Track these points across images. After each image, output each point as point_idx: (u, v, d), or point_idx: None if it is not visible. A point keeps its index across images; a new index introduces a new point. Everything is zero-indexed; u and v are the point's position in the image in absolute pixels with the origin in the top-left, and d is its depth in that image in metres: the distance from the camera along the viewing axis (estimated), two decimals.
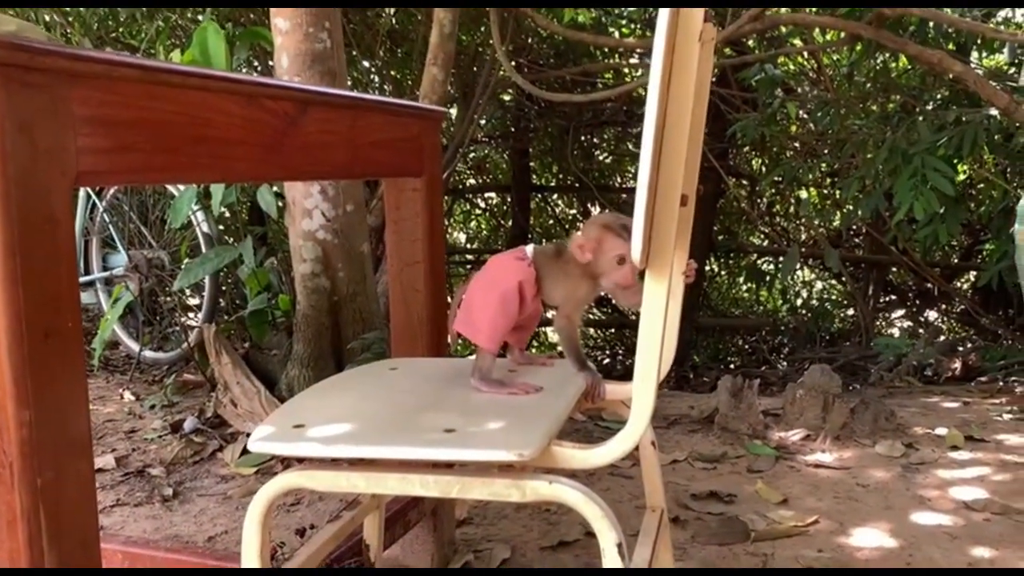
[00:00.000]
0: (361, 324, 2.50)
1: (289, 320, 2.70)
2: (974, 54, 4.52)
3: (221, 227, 3.49)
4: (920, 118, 3.74)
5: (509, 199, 7.36)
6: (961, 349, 4.48)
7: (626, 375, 5.70)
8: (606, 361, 7.06)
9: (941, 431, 2.45)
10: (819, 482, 2.11)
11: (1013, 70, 4.20)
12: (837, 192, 5.84)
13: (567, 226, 7.99)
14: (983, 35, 3.52)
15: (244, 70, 2.86)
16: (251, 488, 2.16)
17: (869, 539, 1.77)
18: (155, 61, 0.97)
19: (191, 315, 3.62)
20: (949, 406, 2.92)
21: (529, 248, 1.19)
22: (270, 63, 4.34)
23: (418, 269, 1.66)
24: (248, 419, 2.43)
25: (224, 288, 3.39)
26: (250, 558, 0.99)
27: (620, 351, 7.30)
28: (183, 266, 2.83)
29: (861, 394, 3.30)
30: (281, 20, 2.30)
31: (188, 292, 3.62)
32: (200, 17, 3.07)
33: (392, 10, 5.16)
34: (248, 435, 2.39)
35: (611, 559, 0.90)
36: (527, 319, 1.20)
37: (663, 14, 0.82)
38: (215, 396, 2.55)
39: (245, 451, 2.33)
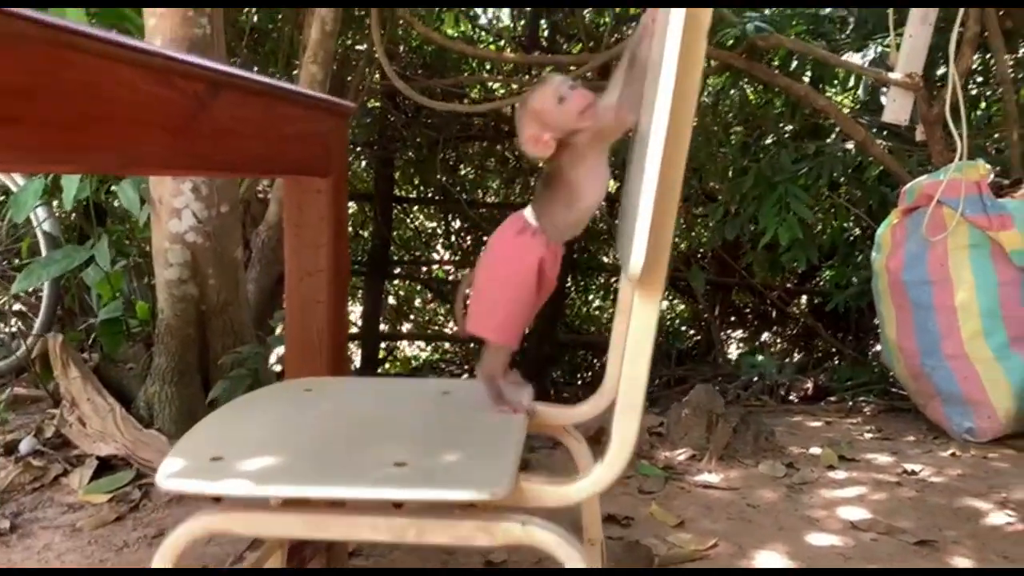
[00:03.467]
0: (232, 336, 2.29)
1: (147, 331, 2.45)
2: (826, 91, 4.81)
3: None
4: (783, 148, 3.92)
5: (368, 209, 7.17)
6: (811, 370, 4.71)
7: None
8: (464, 377, 6.98)
9: (815, 450, 2.54)
10: (711, 503, 2.11)
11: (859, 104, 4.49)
12: (692, 218, 6.06)
13: (426, 239, 7.88)
14: (849, 70, 3.72)
15: None
16: (104, 518, 1.92)
17: (769, 562, 1.77)
18: (61, 19, 0.80)
19: (16, 323, 3.23)
20: (813, 425, 3.03)
21: (526, 211, 1.02)
22: None
23: (320, 278, 1.51)
24: (99, 440, 2.16)
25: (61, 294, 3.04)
26: None
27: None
28: (26, 266, 2.50)
29: (739, 413, 3.40)
30: None
31: (18, 297, 3.24)
32: None
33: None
34: (99, 457, 2.15)
35: None
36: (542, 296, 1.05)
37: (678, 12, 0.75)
38: (59, 414, 2.27)
39: (96, 476, 2.08)
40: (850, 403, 3.61)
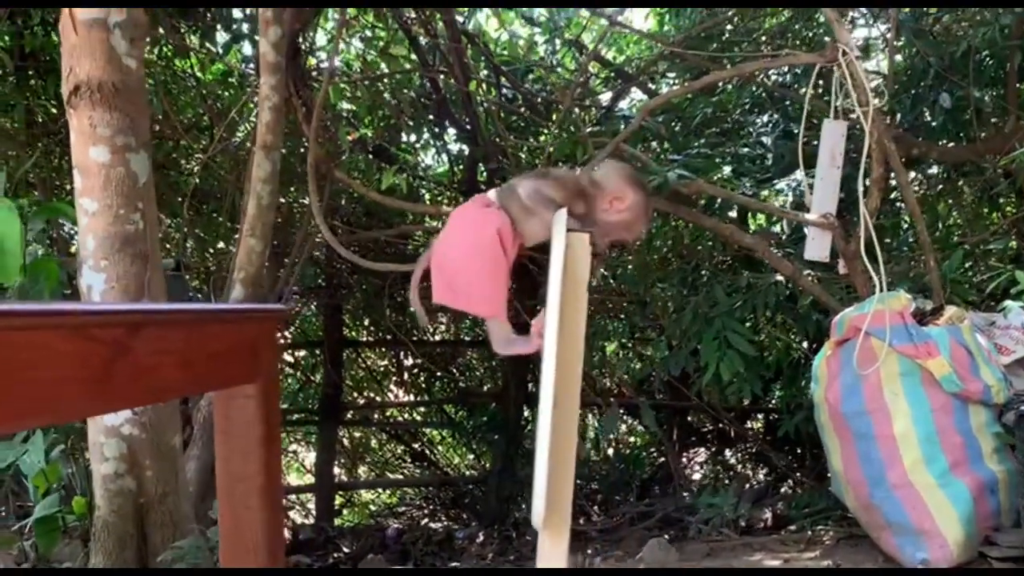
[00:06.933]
0: (172, 528, 2.24)
1: (84, 525, 2.37)
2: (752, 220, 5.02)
3: None
4: (716, 283, 4.04)
5: (319, 353, 7.16)
6: (770, 495, 4.71)
7: (447, 539, 5.50)
8: (423, 521, 6.81)
9: None
10: None
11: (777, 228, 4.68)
12: (638, 346, 6.17)
13: (379, 378, 7.84)
14: (768, 212, 3.90)
15: (40, 245, 2.62)
16: None
17: None
18: None
19: None
20: (772, 564, 3.02)
21: (491, 193, 1.08)
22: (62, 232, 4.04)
23: (251, 485, 1.50)
24: None
25: None
26: None
27: (438, 508, 7.11)
28: None
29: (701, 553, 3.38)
30: (88, 201, 2.13)
31: None
32: None
33: (196, 168, 5.04)
34: None
35: None
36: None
37: (557, 251, 0.80)
38: None
39: None
40: (809, 532, 3.60)
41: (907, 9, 4.07)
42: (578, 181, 1.12)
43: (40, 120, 4.43)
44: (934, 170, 5.01)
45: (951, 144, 4.42)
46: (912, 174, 4.71)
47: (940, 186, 4.88)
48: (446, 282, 1.04)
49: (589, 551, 2.64)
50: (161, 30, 4.33)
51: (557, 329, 0.77)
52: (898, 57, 4.46)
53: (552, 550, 0.83)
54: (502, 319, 1.02)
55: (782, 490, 5.07)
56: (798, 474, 5.36)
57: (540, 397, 0.77)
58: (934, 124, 4.33)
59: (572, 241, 0.80)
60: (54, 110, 4.43)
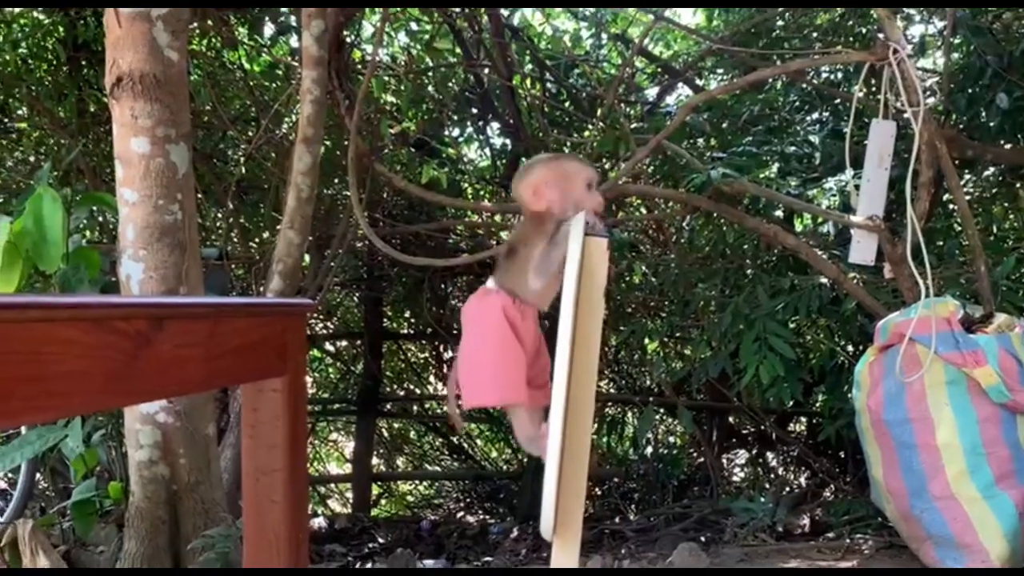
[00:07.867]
0: (203, 516, 2.27)
1: (120, 510, 2.42)
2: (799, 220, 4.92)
3: None
4: (758, 284, 3.97)
5: (359, 344, 7.21)
6: (810, 500, 4.62)
7: (482, 533, 5.51)
8: (459, 514, 6.84)
9: None
10: None
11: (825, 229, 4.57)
12: (678, 345, 6.10)
13: (419, 370, 7.88)
14: (813, 214, 3.82)
15: (85, 235, 2.68)
16: None
17: None
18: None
19: None
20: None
21: (489, 281, 1.06)
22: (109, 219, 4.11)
23: (276, 478, 1.51)
24: None
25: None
26: None
27: (475, 501, 7.12)
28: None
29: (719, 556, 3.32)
30: (129, 191, 2.16)
31: None
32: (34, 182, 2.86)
33: (242, 158, 5.09)
34: None
35: None
36: (534, 358, 1.04)
37: (572, 261, 0.78)
38: None
39: None
40: (847, 540, 3.53)
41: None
42: (534, 211, 1.09)
43: (91, 109, 4.51)
44: (989, 172, 4.87)
45: (1008, 146, 4.28)
46: (966, 176, 4.58)
47: (995, 189, 4.73)
48: (470, 383, 1.01)
49: (623, 551, 2.61)
50: (210, 22, 4.39)
51: (571, 338, 0.75)
52: (954, 55, 4.33)
53: (564, 562, 0.81)
54: (519, 405, 0.97)
55: (825, 495, 4.97)
56: (840, 480, 5.25)
57: (551, 408, 0.75)
58: (991, 125, 4.19)
59: (590, 246, 0.78)
60: (105, 99, 4.51)
